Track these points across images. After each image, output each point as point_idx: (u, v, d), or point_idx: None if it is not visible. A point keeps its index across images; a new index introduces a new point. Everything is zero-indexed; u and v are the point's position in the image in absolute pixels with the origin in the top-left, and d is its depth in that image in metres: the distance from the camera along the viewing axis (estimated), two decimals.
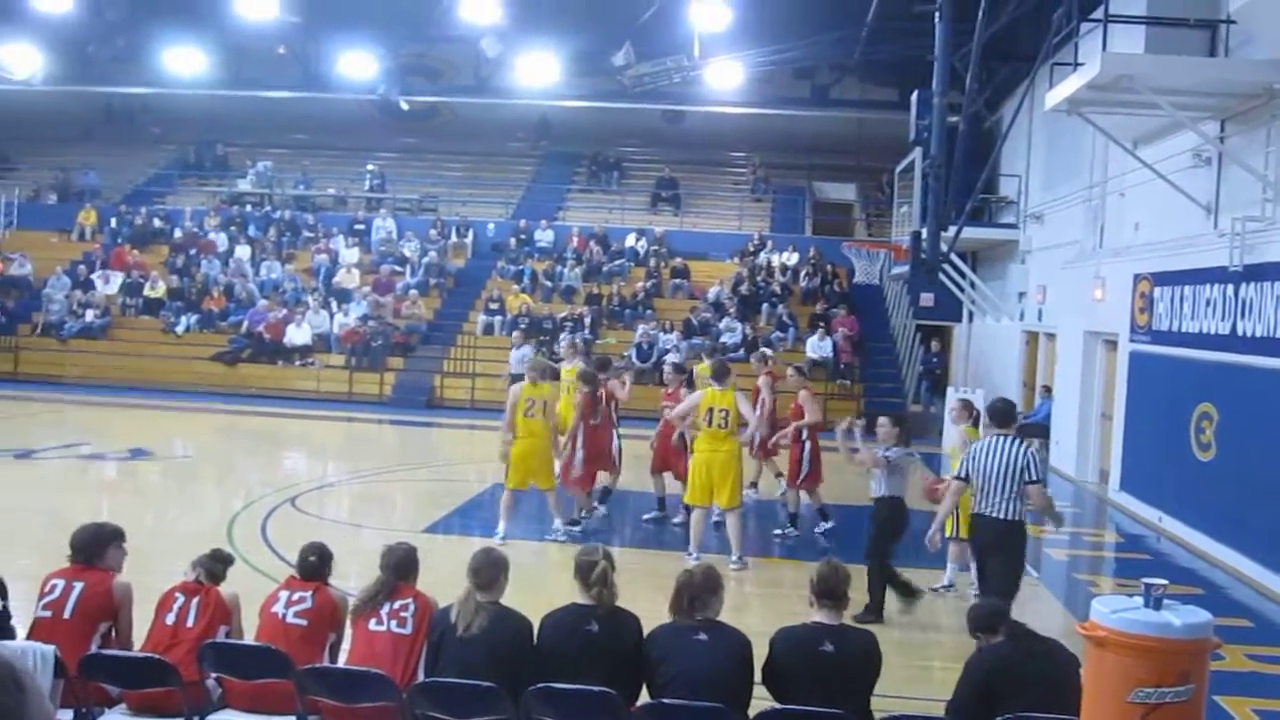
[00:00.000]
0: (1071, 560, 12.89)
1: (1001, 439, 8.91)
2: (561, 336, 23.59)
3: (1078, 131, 17.19)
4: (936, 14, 18.25)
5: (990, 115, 23.63)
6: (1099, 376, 18.15)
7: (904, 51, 23.51)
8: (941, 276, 20.79)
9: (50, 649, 5.50)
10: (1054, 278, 20.29)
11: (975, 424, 11.30)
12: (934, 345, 27.15)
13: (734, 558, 11.39)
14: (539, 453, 12.27)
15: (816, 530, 13.31)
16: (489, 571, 6.00)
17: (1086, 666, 4.61)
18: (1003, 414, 9.30)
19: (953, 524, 10.75)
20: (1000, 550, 8.85)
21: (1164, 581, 4.41)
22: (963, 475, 9.04)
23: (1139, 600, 4.37)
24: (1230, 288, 13.01)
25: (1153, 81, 12.83)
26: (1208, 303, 13.63)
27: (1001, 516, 8.73)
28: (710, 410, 11.43)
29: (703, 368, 14.59)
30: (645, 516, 13.78)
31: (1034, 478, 8.74)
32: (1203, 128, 13.62)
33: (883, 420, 10.52)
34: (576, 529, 12.78)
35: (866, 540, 10.24)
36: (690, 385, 13.72)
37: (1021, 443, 9.05)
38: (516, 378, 15.23)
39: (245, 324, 26.27)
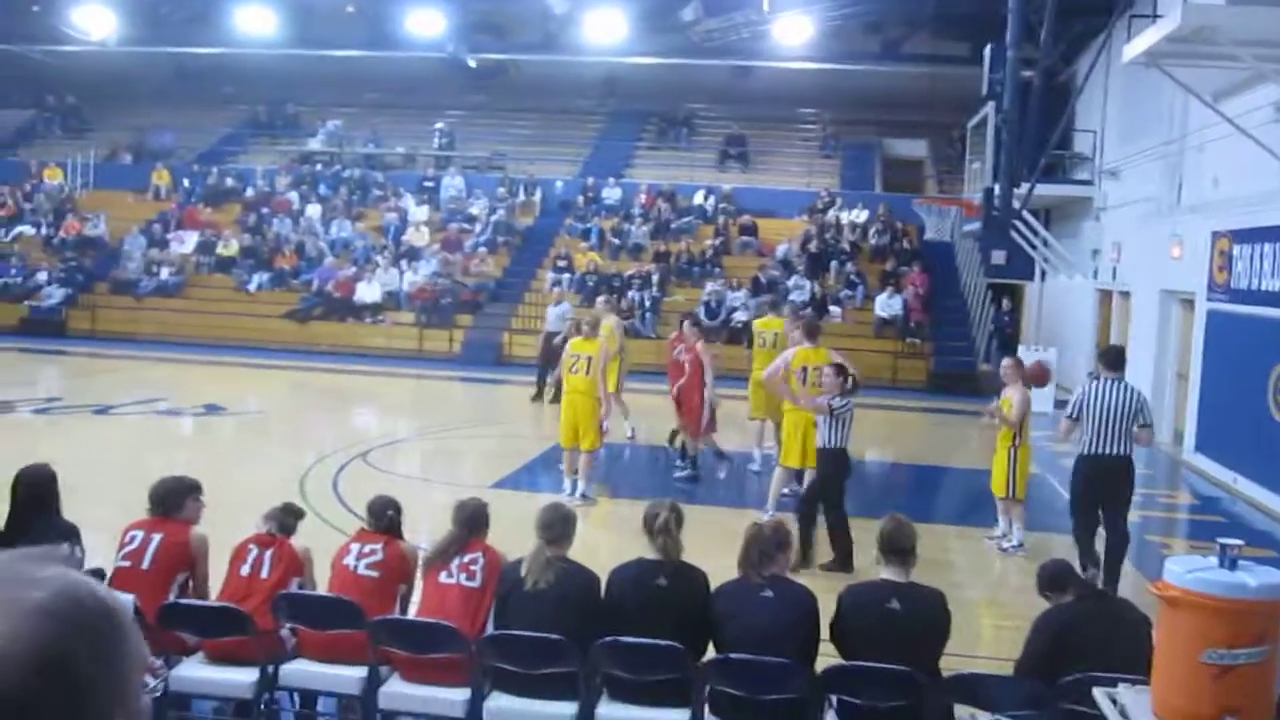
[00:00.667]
0: (1144, 521, 12.70)
1: (1114, 383, 9.33)
2: (629, 295, 23.58)
3: (1155, 85, 16.79)
4: None
5: (1065, 69, 23.17)
6: (1174, 336, 17.83)
7: (977, 5, 23.13)
8: (1014, 234, 20.52)
9: (129, 598, 5.61)
10: (1129, 235, 19.93)
11: (1027, 383, 11.42)
12: (1005, 304, 26.76)
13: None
14: (581, 410, 11.94)
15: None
16: (558, 526, 6.05)
17: (1158, 626, 4.55)
18: (1115, 358, 9.75)
19: (1007, 483, 10.77)
20: (1124, 488, 9.44)
21: (1239, 542, 4.33)
22: (1073, 416, 9.45)
23: (1213, 560, 4.29)
24: None
25: (1235, 33, 12.48)
26: None
27: (1121, 453, 9.23)
28: (805, 369, 11.22)
29: (761, 323, 14.51)
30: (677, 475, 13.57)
31: (1147, 421, 9.24)
32: None
33: (827, 369, 10.44)
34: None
35: (803, 492, 10.63)
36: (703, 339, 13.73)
37: (1132, 386, 9.42)
38: (552, 334, 14.94)
39: (316, 282, 26.53)
